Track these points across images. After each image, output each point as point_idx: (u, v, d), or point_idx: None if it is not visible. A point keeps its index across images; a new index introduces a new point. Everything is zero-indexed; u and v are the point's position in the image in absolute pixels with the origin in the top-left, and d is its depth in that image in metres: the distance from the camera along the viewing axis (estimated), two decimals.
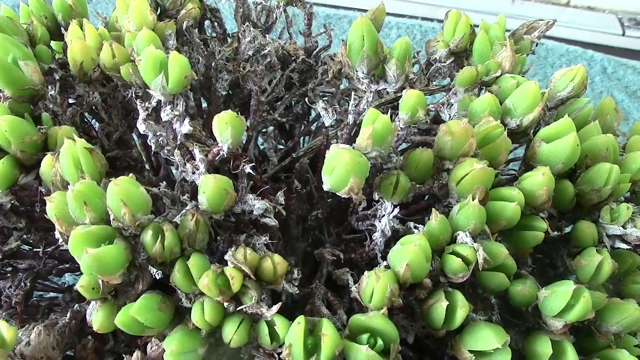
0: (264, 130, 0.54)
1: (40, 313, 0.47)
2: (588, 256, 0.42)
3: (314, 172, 0.52)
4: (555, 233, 0.46)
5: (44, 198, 0.39)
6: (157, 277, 0.40)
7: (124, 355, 0.42)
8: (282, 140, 0.57)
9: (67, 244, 0.38)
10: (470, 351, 0.39)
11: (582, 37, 1.19)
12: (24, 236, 0.46)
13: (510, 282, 0.41)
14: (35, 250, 0.51)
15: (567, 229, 0.47)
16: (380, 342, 0.36)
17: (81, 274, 0.39)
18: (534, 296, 0.41)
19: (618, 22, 1.24)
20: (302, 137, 0.55)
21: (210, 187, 0.37)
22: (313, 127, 0.57)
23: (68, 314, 0.43)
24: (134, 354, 0.40)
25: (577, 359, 0.40)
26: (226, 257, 0.37)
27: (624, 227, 0.43)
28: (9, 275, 0.49)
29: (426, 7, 1.18)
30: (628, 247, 0.43)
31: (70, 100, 0.48)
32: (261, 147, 0.58)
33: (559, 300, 0.39)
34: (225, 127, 0.38)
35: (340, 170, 0.36)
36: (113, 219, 0.37)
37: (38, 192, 0.47)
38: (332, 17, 1.09)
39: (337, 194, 0.38)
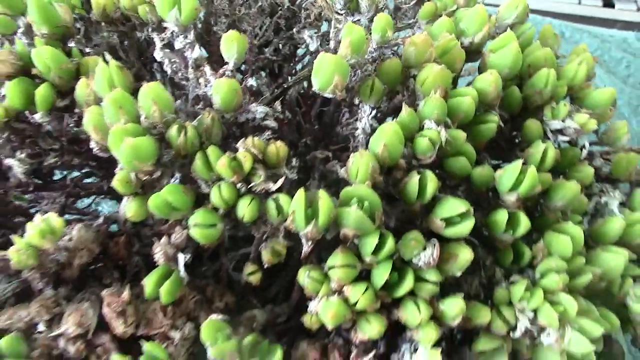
0: (256, 74, 0.67)
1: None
2: (535, 146, 0.55)
3: (303, 104, 0.64)
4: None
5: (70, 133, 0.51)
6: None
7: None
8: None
9: (102, 152, 0.50)
10: (441, 219, 0.51)
11: (542, 6, 1.35)
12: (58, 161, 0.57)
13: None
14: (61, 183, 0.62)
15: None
16: (367, 204, 0.48)
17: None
18: (492, 177, 0.53)
19: None
20: (289, 76, 0.68)
21: (223, 87, 0.49)
22: (299, 67, 0.70)
23: (101, 219, 0.55)
24: (162, 239, 0.51)
25: (529, 224, 0.52)
26: (237, 145, 0.49)
27: (563, 121, 0.56)
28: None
29: None
30: (568, 138, 0.56)
31: (87, 50, 0.60)
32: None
33: (510, 175, 0.51)
34: (232, 43, 0.51)
35: (325, 69, 0.49)
36: (144, 119, 0.48)
37: (63, 129, 0.59)
38: None
39: (324, 94, 0.50)
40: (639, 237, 0.57)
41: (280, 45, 0.67)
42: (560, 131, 0.56)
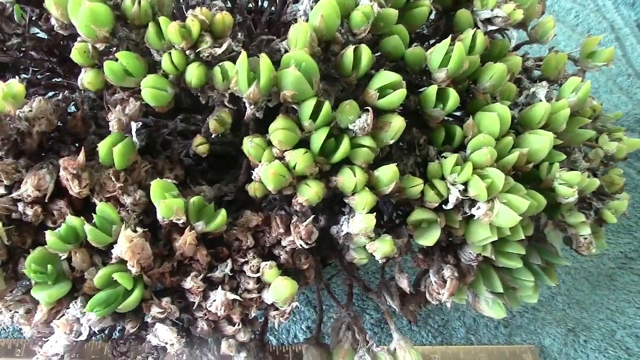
0: None
1: None
2: (466, 33, 0.62)
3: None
4: None
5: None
6: None
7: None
8: None
9: (61, 28, 0.57)
10: (375, 90, 0.58)
11: None
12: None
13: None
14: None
15: None
16: (304, 66, 0.55)
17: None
18: (423, 56, 0.60)
19: None
20: None
21: None
22: None
23: (60, 95, 0.62)
24: (117, 107, 0.58)
25: (458, 98, 0.59)
26: (187, 14, 0.56)
27: (492, 10, 0.63)
28: None
29: None
30: (496, 27, 0.64)
31: None
32: None
33: (440, 51, 0.59)
34: None
35: None
36: None
37: (26, 26, 0.66)
38: None
39: None
40: (564, 123, 0.64)
41: None
42: (489, 20, 0.64)
